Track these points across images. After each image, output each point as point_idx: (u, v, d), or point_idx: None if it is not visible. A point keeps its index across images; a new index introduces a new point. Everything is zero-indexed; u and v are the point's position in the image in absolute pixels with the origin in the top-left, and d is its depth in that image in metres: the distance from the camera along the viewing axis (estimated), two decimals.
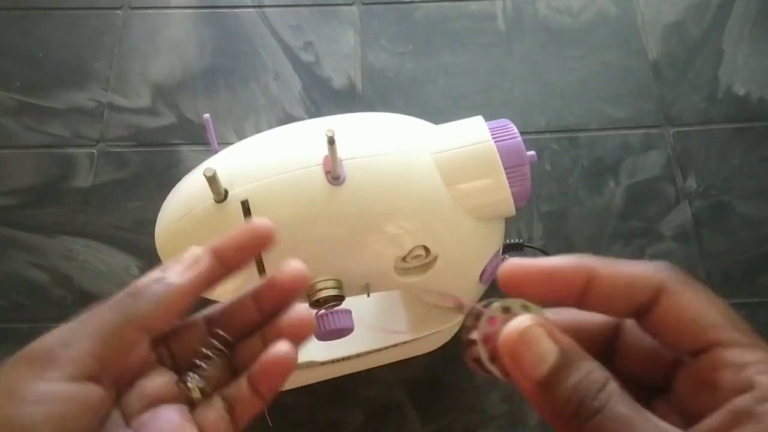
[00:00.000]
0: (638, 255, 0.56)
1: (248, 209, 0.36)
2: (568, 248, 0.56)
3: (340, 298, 0.37)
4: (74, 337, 0.22)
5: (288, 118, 0.63)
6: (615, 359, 0.23)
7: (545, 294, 0.22)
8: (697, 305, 0.21)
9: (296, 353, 0.24)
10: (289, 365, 0.24)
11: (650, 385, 0.23)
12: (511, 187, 0.39)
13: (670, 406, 0.22)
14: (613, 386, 0.19)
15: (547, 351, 0.20)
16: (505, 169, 0.38)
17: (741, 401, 0.19)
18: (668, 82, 0.64)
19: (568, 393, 0.19)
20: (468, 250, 0.42)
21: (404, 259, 0.39)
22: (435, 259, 0.40)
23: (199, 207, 0.37)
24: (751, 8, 0.67)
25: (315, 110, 0.63)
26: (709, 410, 0.20)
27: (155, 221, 0.41)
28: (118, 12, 0.68)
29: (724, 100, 0.63)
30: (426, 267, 0.40)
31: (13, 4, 0.69)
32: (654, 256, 0.56)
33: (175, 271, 0.24)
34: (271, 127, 0.56)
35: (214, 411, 0.24)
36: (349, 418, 0.50)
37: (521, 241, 0.53)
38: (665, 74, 0.64)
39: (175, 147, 0.61)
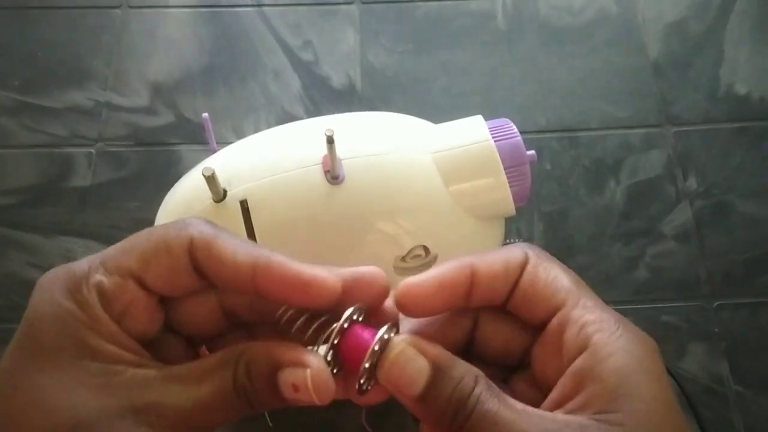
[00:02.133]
0: (639, 255, 0.56)
1: (247, 209, 0.36)
2: (568, 248, 0.56)
3: None
4: None
5: (287, 118, 0.62)
6: (474, 348, 0.25)
7: (441, 304, 0.23)
8: (549, 273, 0.22)
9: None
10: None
11: (508, 365, 0.24)
12: (510, 187, 0.38)
13: (527, 382, 0.23)
14: (482, 386, 0.20)
15: (420, 368, 0.21)
16: (504, 168, 0.38)
17: (580, 362, 0.20)
18: (669, 81, 0.64)
19: (445, 404, 0.20)
20: (467, 250, 0.41)
21: (404, 258, 0.39)
22: (435, 258, 0.39)
23: (197, 207, 0.37)
24: (752, 7, 0.67)
25: (314, 109, 0.63)
26: (558, 375, 0.21)
27: (154, 221, 0.40)
28: (117, 11, 0.68)
29: (725, 99, 0.63)
30: (425, 267, 0.40)
31: (11, 3, 0.68)
32: (655, 256, 0.56)
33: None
34: (270, 126, 0.56)
35: None
36: (350, 418, 0.50)
37: (521, 241, 0.52)
38: (666, 73, 0.64)
39: (173, 146, 0.61)
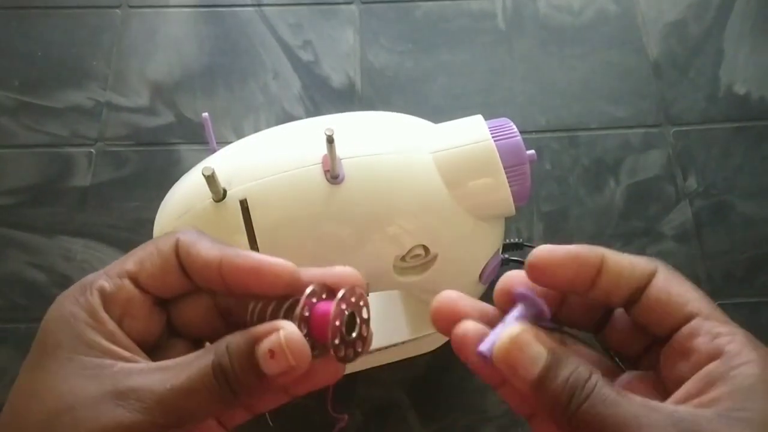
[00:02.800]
0: (639, 255, 0.55)
1: (247, 208, 0.36)
2: None
3: None
4: None
5: (287, 117, 0.62)
6: (603, 333, 0.26)
7: (568, 277, 0.24)
8: (681, 287, 0.24)
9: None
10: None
11: (626, 360, 0.26)
12: (510, 187, 0.38)
13: (645, 383, 0.24)
14: (598, 376, 0.21)
15: (538, 353, 0.22)
16: (504, 168, 0.38)
17: (713, 366, 0.21)
18: (669, 81, 0.64)
19: (561, 386, 0.21)
20: (467, 250, 0.42)
21: (403, 258, 0.39)
22: (434, 258, 0.39)
23: (197, 206, 0.37)
24: (752, 7, 0.67)
25: (314, 109, 0.63)
26: (685, 376, 0.22)
27: (154, 221, 0.40)
28: (117, 11, 0.68)
29: (725, 99, 0.63)
30: (425, 266, 0.40)
31: (12, 3, 0.68)
32: (654, 256, 0.55)
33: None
34: (270, 126, 0.56)
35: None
36: (348, 419, 0.50)
37: (521, 240, 0.52)
38: (666, 73, 0.64)
39: (173, 146, 0.61)
